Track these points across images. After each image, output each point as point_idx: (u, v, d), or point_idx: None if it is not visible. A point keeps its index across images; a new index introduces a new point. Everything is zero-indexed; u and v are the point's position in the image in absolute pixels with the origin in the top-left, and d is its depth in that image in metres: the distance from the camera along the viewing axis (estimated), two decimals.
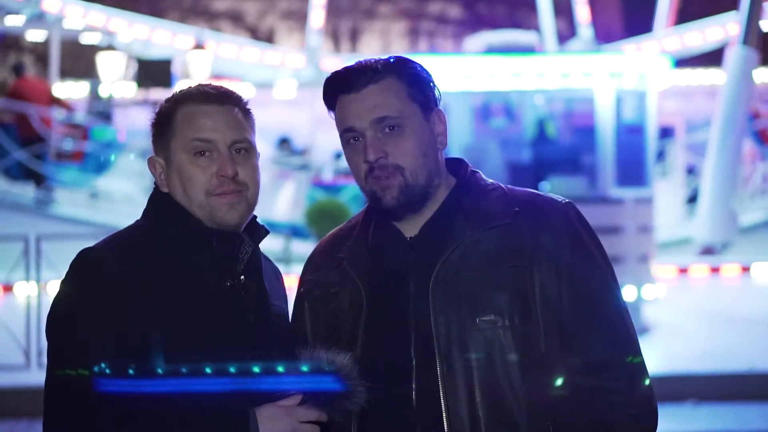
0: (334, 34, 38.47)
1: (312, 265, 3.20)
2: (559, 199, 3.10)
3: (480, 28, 26.47)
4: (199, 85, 3.12)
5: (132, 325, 2.86)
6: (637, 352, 3.01)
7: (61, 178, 19.85)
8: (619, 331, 3.00)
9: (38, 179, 18.86)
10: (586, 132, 14.13)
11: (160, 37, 23.19)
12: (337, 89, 3.05)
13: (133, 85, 15.82)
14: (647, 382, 3.01)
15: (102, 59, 16.61)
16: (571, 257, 2.99)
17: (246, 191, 3.05)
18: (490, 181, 3.14)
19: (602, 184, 13.43)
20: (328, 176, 21.12)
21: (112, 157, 19.65)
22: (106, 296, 2.88)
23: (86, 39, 22.92)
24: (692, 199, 19.42)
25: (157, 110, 3.12)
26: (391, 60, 3.06)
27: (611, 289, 3.04)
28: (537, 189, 10.90)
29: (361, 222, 3.14)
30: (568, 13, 28.67)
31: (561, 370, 2.94)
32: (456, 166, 3.16)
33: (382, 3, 39.38)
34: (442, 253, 2.98)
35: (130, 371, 2.84)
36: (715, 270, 18.36)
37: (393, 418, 2.93)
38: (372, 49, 37.73)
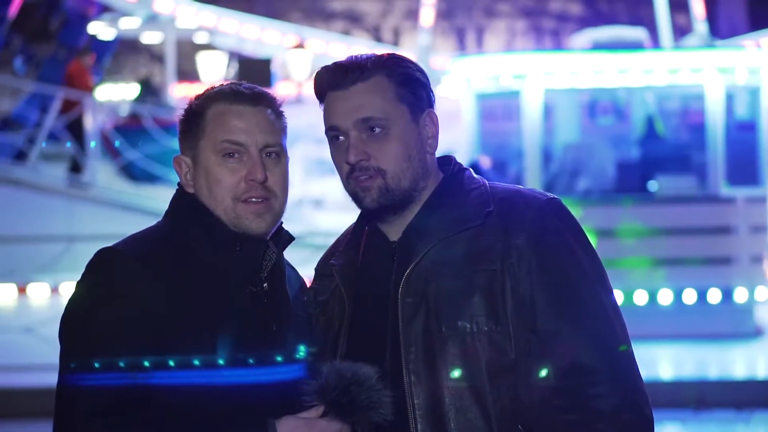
0: (459, 33, 38.42)
1: (315, 275, 3.13)
2: (540, 196, 2.95)
3: (601, 25, 26.09)
4: (232, 83, 3.01)
5: (147, 328, 2.77)
6: (623, 355, 2.86)
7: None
8: (601, 332, 2.84)
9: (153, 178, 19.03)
10: (697, 129, 13.85)
11: (270, 36, 23.35)
12: (325, 85, 2.95)
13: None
14: (637, 388, 2.84)
15: (202, 59, 16.67)
16: (545, 255, 2.84)
17: (274, 199, 2.94)
18: (477, 178, 3.01)
19: (713, 183, 13.15)
20: None
21: None
22: (122, 298, 2.79)
23: (199, 39, 23.20)
24: None
25: (186, 107, 3.02)
26: (383, 57, 2.95)
27: (593, 288, 2.87)
28: (645, 188, 10.68)
29: (355, 227, 3.06)
30: (688, 8, 28.19)
31: (536, 375, 2.81)
32: (445, 164, 3.03)
33: (501, 2, 39.20)
34: (413, 259, 2.88)
35: (145, 375, 2.76)
36: None
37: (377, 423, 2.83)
38: (495, 47, 37.59)
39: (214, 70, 16.14)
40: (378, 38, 35.99)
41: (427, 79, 3.00)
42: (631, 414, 2.81)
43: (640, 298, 12.77)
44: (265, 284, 2.95)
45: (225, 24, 23.26)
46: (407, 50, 27.58)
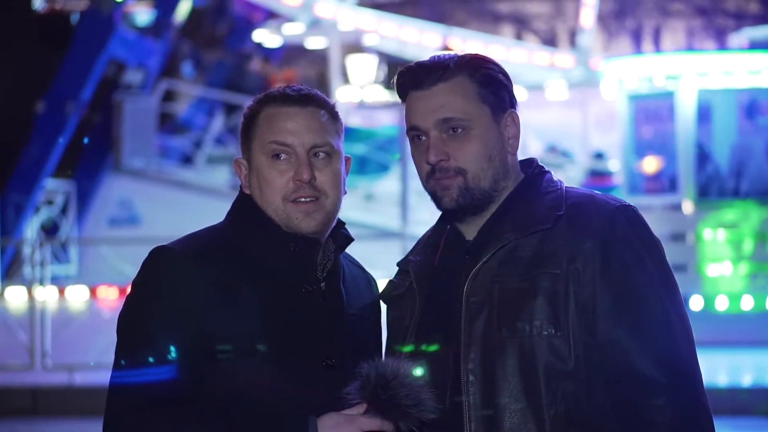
0: (634, 33, 37.93)
1: (398, 270, 3.15)
2: (613, 202, 2.91)
3: None
4: (284, 86, 3.08)
5: (200, 326, 2.84)
6: (685, 368, 2.79)
7: None
8: (662, 343, 2.78)
9: None
10: None
11: (429, 39, 23.39)
12: (407, 85, 2.98)
13: (382, 88, 15.90)
14: (699, 402, 2.78)
15: (352, 62, 16.73)
16: (610, 262, 2.81)
17: (324, 198, 2.98)
18: (556, 181, 3.00)
19: None
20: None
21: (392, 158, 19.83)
22: (176, 296, 2.86)
23: (362, 42, 23.37)
24: None
25: (245, 111, 3.10)
26: (465, 58, 2.97)
27: (659, 299, 2.81)
28: None
29: (436, 226, 3.08)
30: None
31: (594, 382, 2.78)
32: (527, 166, 3.04)
33: (676, 0, 38.53)
34: (482, 258, 2.88)
35: (194, 373, 2.83)
36: None
37: (433, 421, 2.82)
38: (673, 47, 36.96)
39: (364, 73, 16.18)
40: (550, 40, 35.73)
41: (510, 80, 3.01)
42: (690, 429, 2.77)
43: None
44: (323, 284, 2.99)
45: (385, 27, 23.39)
46: (563, 51, 27.39)
